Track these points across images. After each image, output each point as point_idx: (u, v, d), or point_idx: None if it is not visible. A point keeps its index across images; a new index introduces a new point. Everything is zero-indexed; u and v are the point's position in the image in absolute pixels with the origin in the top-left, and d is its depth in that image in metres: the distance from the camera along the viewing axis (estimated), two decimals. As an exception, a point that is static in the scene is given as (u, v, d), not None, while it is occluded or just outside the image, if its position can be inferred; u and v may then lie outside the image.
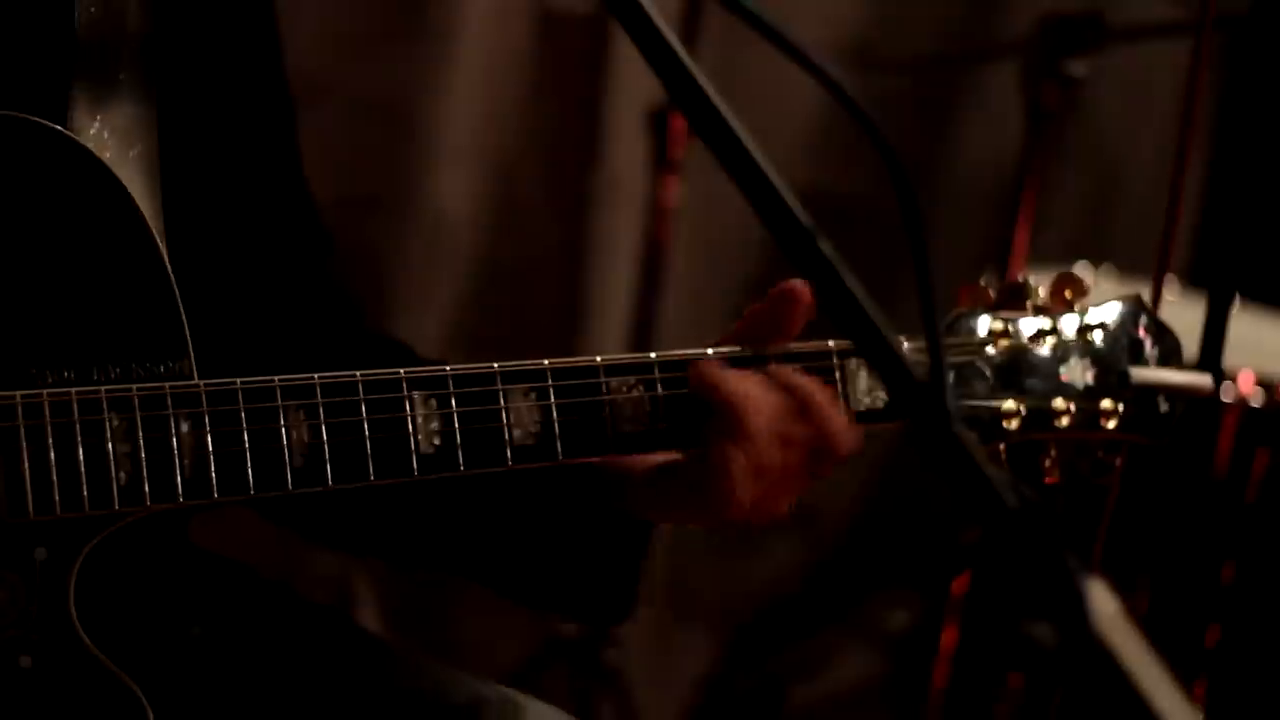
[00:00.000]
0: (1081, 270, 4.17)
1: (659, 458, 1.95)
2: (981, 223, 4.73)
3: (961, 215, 4.78)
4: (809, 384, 1.91)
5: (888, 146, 1.47)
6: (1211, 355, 2.66)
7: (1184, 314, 2.21)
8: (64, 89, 1.85)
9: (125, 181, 1.81)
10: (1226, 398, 3.68)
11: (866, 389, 1.97)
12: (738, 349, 1.94)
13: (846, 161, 4.61)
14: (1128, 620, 1.34)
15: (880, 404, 1.97)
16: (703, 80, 1.52)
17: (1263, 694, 3.95)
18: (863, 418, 1.96)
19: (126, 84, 1.89)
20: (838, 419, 1.91)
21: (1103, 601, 1.33)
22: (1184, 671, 3.64)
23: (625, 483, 1.96)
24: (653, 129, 4.23)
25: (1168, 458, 3.63)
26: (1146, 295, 2.41)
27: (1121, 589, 1.37)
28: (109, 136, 1.85)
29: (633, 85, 4.46)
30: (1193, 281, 3.91)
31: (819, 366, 1.96)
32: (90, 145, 1.82)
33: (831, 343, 1.96)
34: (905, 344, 1.91)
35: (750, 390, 1.88)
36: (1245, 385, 3.69)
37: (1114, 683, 1.31)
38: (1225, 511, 3.74)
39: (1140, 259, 3.71)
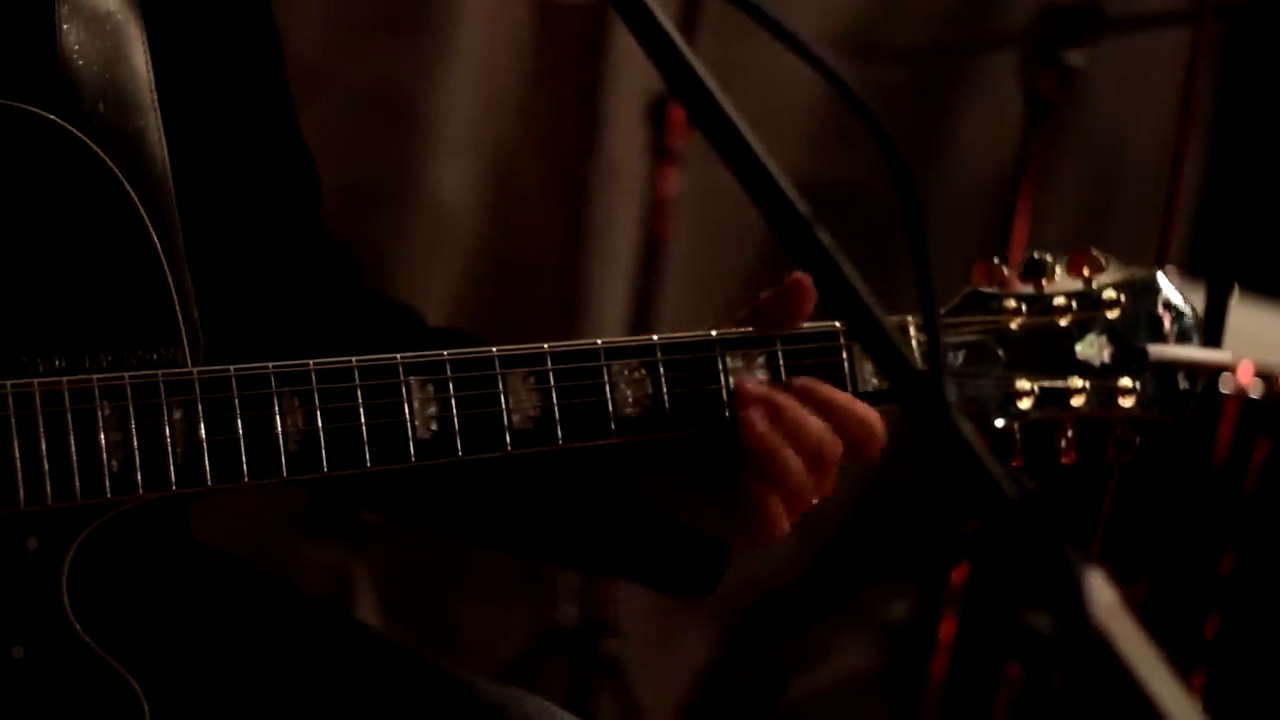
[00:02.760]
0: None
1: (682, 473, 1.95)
2: (980, 212, 4.73)
3: (960, 205, 4.78)
4: (841, 396, 1.91)
5: (886, 136, 1.46)
6: (1211, 345, 2.65)
7: (1183, 304, 2.20)
8: (51, 65, 1.83)
9: (130, 155, 1.80)
10: (1226, 388, 3.68)
11: (874, 370, 1.96)
12: (746, 330, 1.93)
13: (845, 151, 4.61)
14: (1127, 610, 1.34)
15: (888, 385, 1.96)
16: (701, 70, 1.52)
17: (1262, 684, 3.95)
18: (870, 398, 1.94)
19: (116, 51, 1.87)
20: (873, 421, 1.91)
21: (1102, 592, 1.33)
22: (1183, 662, 3.64)
23: (661, 493, 1.96)
24: (651, 119, 4.23)
25: (1167, 448, 3.63)
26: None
27: (1120, 579, 1.37)
28: (106, 108, 1.84)
29: (631, 75, 4.46)
30: (1192, 271, 3.90)
31: (826, 347, 1.94)
32: (89, 122, 1.80)
33: (839, 324, 1.95)
34: (911, 322, 1.93)
35: (782, 423, 1.87)
36: (1244, 376, 3.69)
37: (1113, 673, 1.31)
38: (1225, 502, 3.74)
39: (1139, 248, 3.70)
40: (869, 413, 1.91)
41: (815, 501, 1.92)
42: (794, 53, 1.50)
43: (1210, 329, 2.64)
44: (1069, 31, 3.73)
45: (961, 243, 4.54)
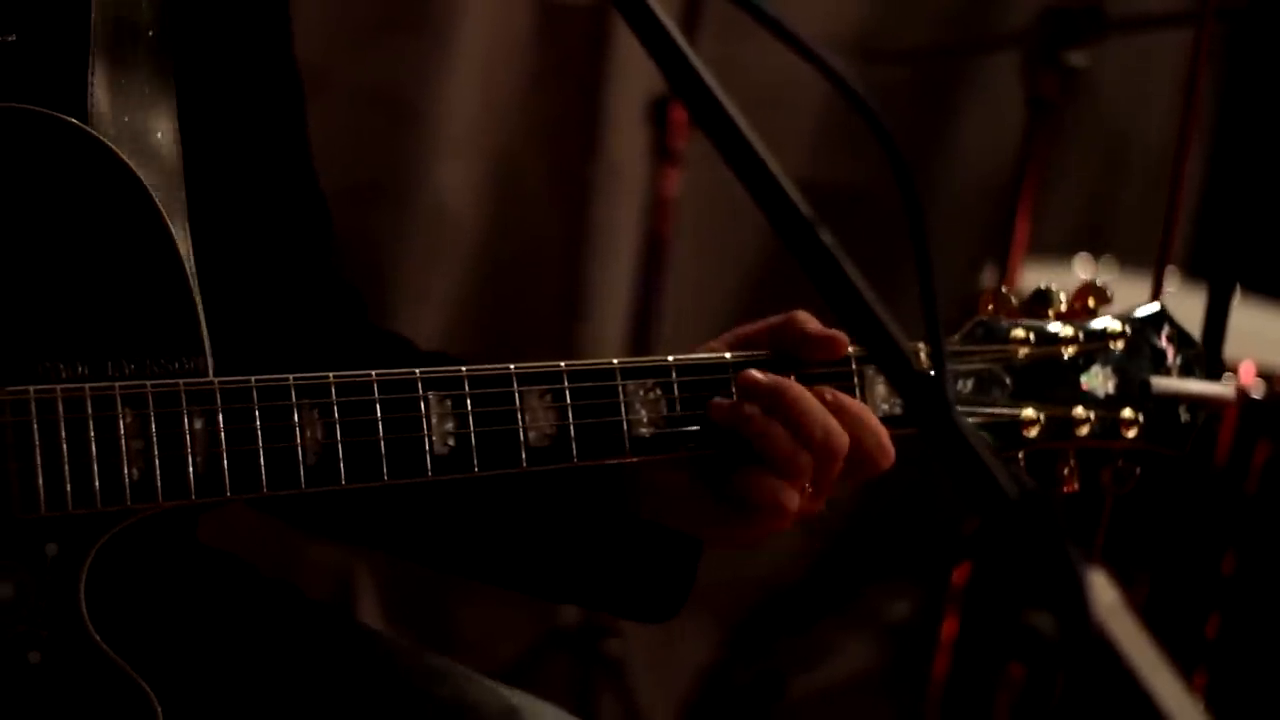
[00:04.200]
0: (1082, 262, 4.19)
1: (679, 476, 1.95)
2: (982, 213, 4.73)
3: (962, 206, 4.78)
4: (854, 403, 1.91)
5: (888, 136, 1.46)
6: (1213, 347, 2.66)
7: (1185, 305, 2.21)
8: (81, 78, 1.84)
9: (147, 170, 1.81)
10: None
11: (885, 395, 1.96)
12: (756, 354, 1.93)
13: (847, 152, 4.61)
14: (1128, 610, 1.34)
15: (899, 410, 1.96)
16: (703, 71, 1.52)
17: (1263, 685, 3.95)
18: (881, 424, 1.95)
19: (144, 69, 1.88)
20: (877, 429, 1.92)
21: (1103, 592, 1.33)
22: (1184, 662, 3.64)
23: (652, 503, 1.96)
24: (653, 119, 4.23)
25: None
26: (1147, 286, 2.41)
27: (1122, 579, 1.37)
28: (129, 122, 1.85)
29: (633, 75, 4.46)
30: (1194, 272, 3.92)
31: (837, 372, 1.95)
32: (110, 133, 1.81)
33: (851, 349, 1.95)
34: (922, 349, 1.93)
35: (782, 401, 1.88)
36: (1246, 376, 3.70)
37: (1114, 673, 1.31)
38: (1226, 502, 3.74)
39: (1141, 250, 3.72)
40: (881, 425, 1.92)
41: (822, 507, 1.92)
42: (795, 53, 1.50)
43: (1212, 330, 2.65)
44: (1070, 32, 3.73)
45: (963, 243, 4.55)
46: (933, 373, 1.44)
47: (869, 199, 3.97)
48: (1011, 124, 4.13)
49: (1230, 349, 2.71)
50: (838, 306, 1.48)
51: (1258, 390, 3.71)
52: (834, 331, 1.92)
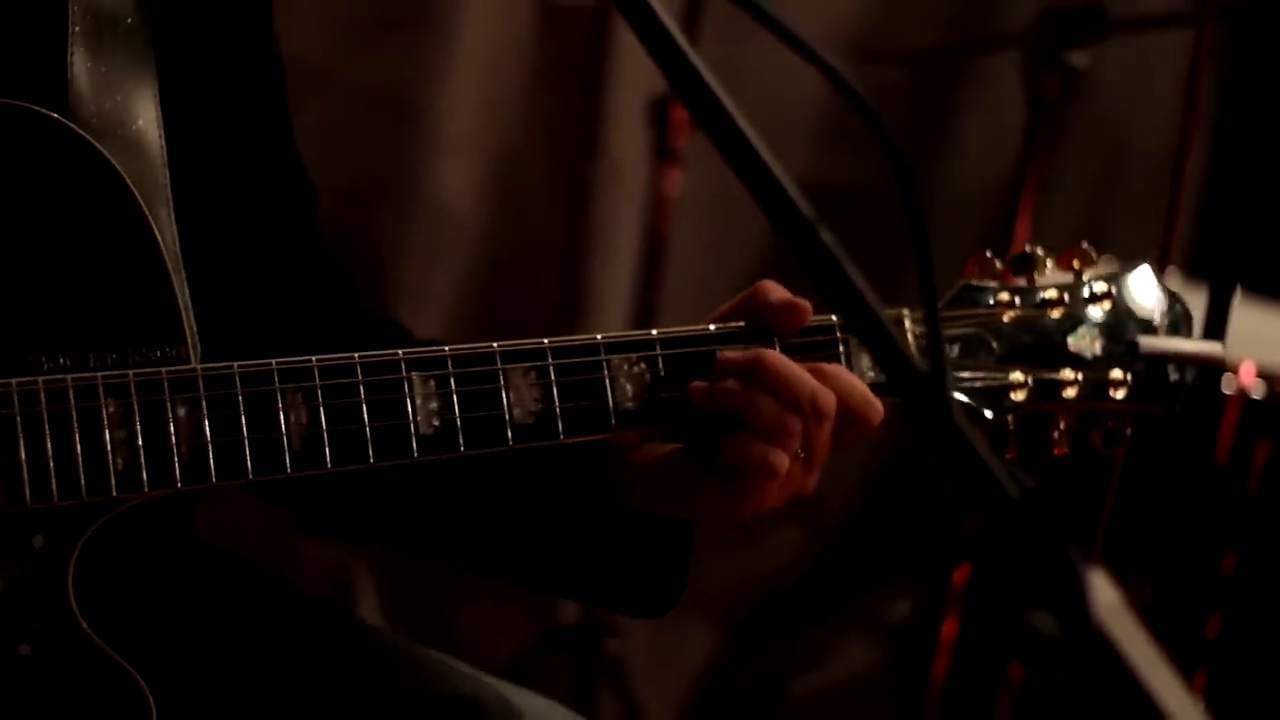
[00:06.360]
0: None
1: (665, 450, 1.94)
2: (982, 213, 4.73)
3: (962, 206, 4.78)
4: (837, 367, 1.91)
5: (888, 137, 1.46)
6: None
7: (1185, 305, 2.21)
8: (61, 67, 1.84)
9: (130, 157, 1.81)
10: (1228, 389, 3.68)
11: (870, 364, 1.96)
12: (736, 325, 1.93)
13: (848, 152, 4.61)
14: (1128, 610, 1.34)
15: (884, 377, 1.95)
16: (704, 70, 1.52)
17: (1263, 684, 3.95)
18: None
19: (125, 56, 1.88)
20: (861, 386, 1.91)
21: (1103, 591, 1.33)
22: (1184, 662, 3.64)
23: (639, 483, 1.95)
24: (654, 119, 4.23)
25: (1169, 448, 3.63)
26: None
27: (1122, 579, 1.37)
28: (110, 109, 1.85)
29: (634, 75, 4.46)
30: (1194, 272, 3.91)
31: (823, 340, 1.95)
32: (91, 123, 1.81)
33: (835, 317, 1.95)
34: (907, 315, 1.93)
35: (762, 372, 1.87)
36: (1246, 377, 3.70)
37: (1115, 673, 1.31)
38: (1226, 502, 3.74)
39: (1142, 249, 3.70)
40: (863, 383, 1.91)
41: (814, 482, 1.91)
42: (796, 53, 1.50)
43: (1212, 330, 2.65)
44: (1071, 32, 3.74)
45: (963, 244, 4.51)
46: (932, 371, 1.44)
47: (869, 199, 3.97)
48: (1012, 124, 4.13)
49: (1230, 349, 2.71)
50: (838, 306, 1.48)
51: (1258, 390, 3.71)
52: (796, 300, 1.92)
